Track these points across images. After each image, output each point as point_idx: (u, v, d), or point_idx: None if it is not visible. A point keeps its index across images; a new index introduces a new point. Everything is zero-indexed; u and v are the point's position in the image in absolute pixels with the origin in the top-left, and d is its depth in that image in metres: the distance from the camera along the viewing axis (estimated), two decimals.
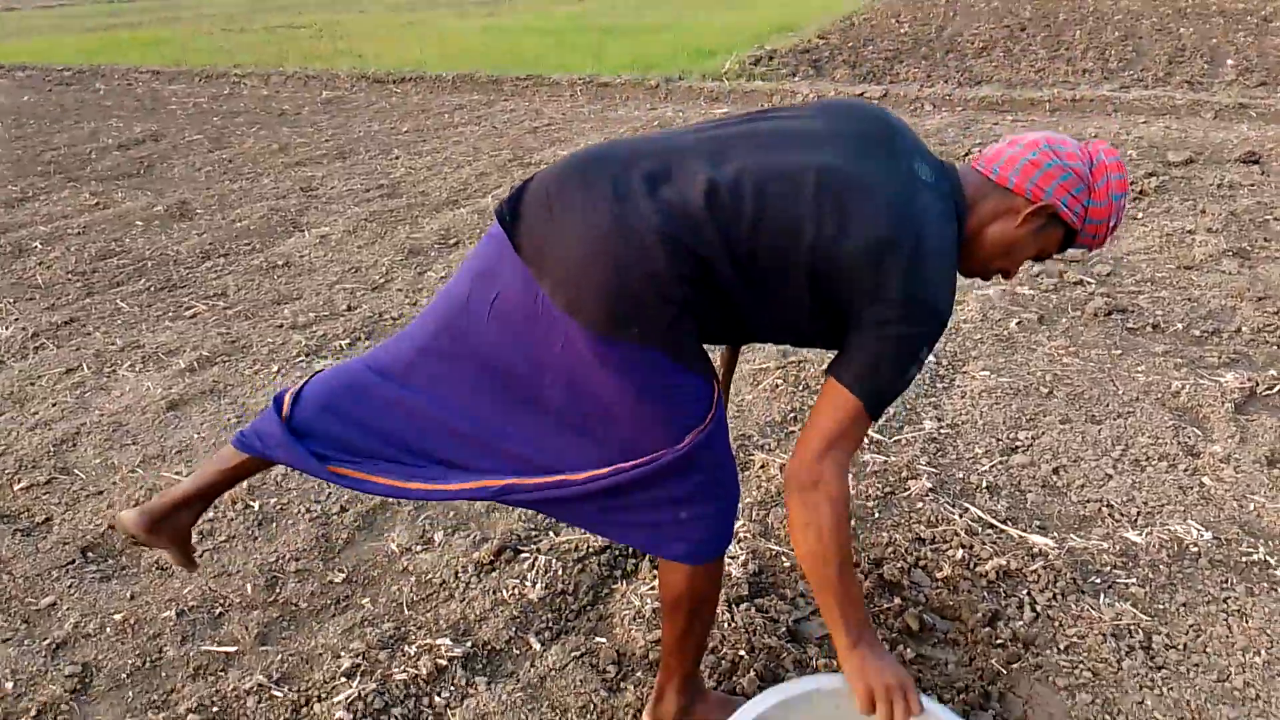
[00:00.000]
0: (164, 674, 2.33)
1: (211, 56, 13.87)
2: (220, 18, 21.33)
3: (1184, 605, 2.44)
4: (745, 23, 15.03)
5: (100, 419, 3.56)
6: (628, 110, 9.27)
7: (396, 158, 7.67)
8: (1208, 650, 2.30)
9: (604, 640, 2.37)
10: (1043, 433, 3.26)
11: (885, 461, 3.10)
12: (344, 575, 2.66)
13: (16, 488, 3.12)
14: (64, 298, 4.83)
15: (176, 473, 3.17)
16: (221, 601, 2.57)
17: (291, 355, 4.06)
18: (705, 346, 1.75)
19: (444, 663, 2.30)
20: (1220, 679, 2.22)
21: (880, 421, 3.35)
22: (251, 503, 2.98)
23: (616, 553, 2.68)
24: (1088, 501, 2.89)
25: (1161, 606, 2.45)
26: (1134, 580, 2.54)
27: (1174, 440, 3.17)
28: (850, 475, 3.04)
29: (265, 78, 12.01)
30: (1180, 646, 2.32)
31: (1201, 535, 2.69)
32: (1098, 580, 2.54)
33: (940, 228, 1.59)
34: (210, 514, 2.93)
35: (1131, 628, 2.37)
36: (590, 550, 2.69)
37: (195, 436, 3.41)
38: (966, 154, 6.97)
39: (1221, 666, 2.25)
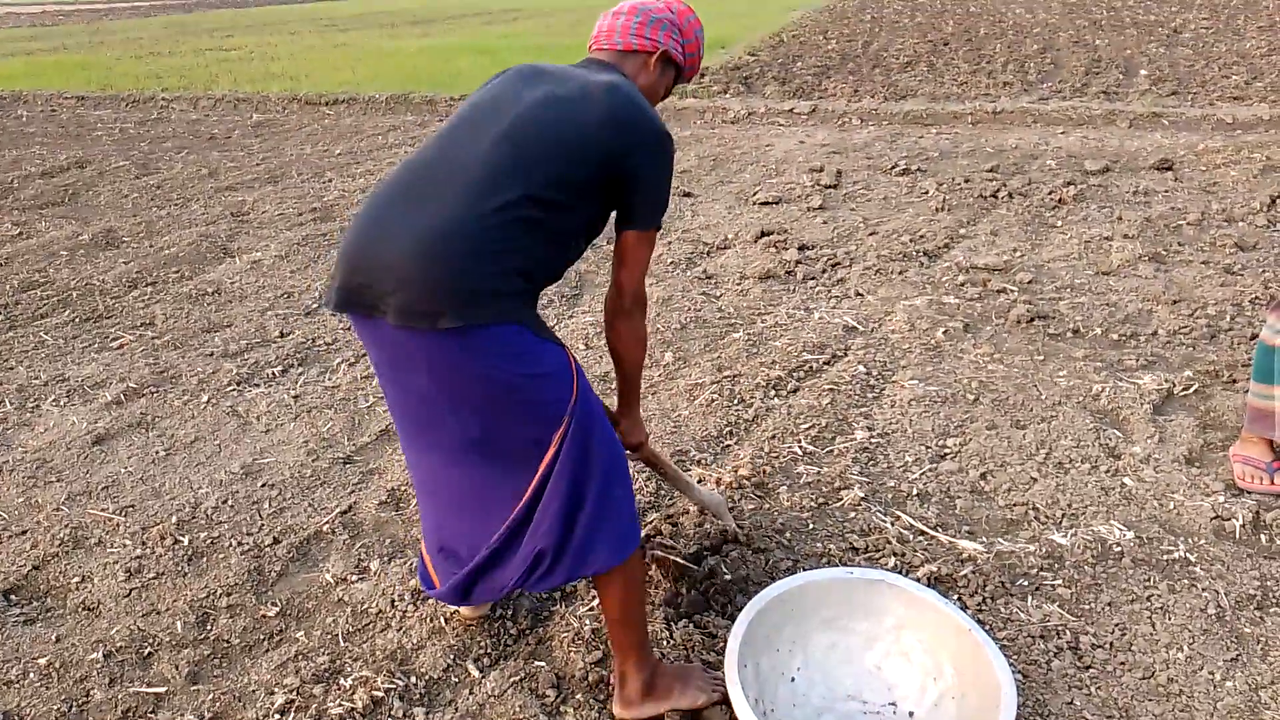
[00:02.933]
0: (91, 718, 2.27)
1: (139, 81, 13.61)
2: (147, 41, 20.95)
3: (1109, 605, 2.51)
4: None
5: (23, 456, 3.46)
6: None
7: (329, 180, 7.60)
8: (1133, 648, 2.37)
9: (543, 664, 2.37)
10: (970, 439, 3.34)
11: (818, 472, 3.14)
12: (277, 609, 2.62)
13: None
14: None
15: (103, 509, 3.10)
16: (151, 641, 2.52)
17: (223, 384, 4.00)
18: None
19: (380, 694, 2.27)
20: (1146, 676, 2.28)
21: (814, 433, 3.40)
22: (181, 538, 2.93)
23: None
24: (1014, 505, 2.96)
25: (1087, 607, 2.52)
26: (1060, 581, 2.61)
27: (1095, 442, 3.26)
28: (785, 486, 3.08)
29: (194, 101, 11.82)
30: (1107, 645, 2.38)
31: (1124, 535, 2.77)
32: (1025, 583, 2.61)
33: (629, 87, 1.97)
34: (137, 551, 2.87)
35: (1059, 629, 2.43)
36: None
37: (123, 471, 3.33)
38: (893, 167, 7.11)
39: (1147, 664, 2.31)
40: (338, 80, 12.65)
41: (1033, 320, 4.25)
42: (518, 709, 2.22)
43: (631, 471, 2.43)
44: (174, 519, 3.02)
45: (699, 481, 3.05)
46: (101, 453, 3.48)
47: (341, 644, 2.48)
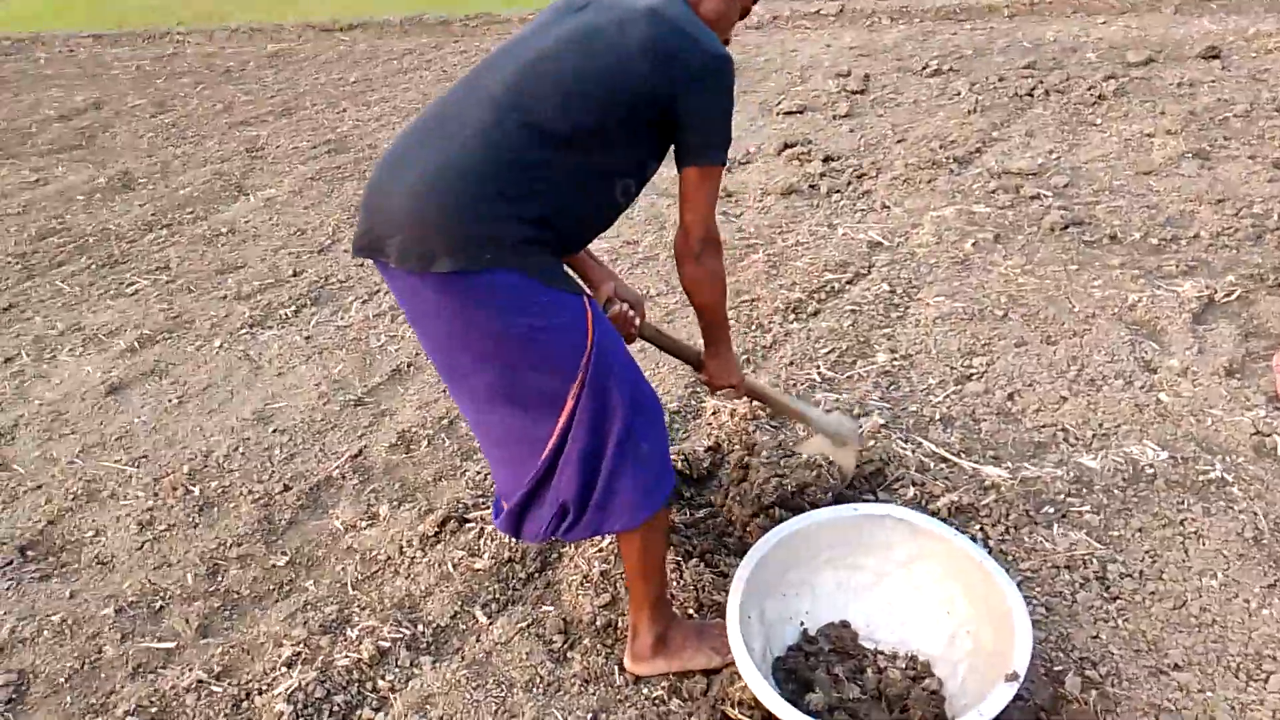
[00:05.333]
0: (103, 675, 2.28)
1: (151, 15, 13.43)
2: None
3: (1139, 531, 2.41)
4: None
5: (39, 409, 3.47)
6: None
7: (344, 110, 7.46)
8: (1164, 577, 2.27)
9: (551, 608, 2.33)
10: (997, 358, 3.20)
11: (837, 399, 3.04)
12: (287, 558, 2.60)
13: None
14: (3, 282, 4.69)
15: (116, 460, 3.09)
16: (162, 594, 2.51)
17: (235, 328, 3.96)
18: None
19: (387, 645, 2.25)
20: (1176, 605, 2.18)
21: (834, 357, 3.28)
22: (192, 488, 2.91)
23: None
24: (1042, 427, 2.84)
25: (1116, 534, 2.41)
26: (1088, 508, 2.50)
27: (1130, 356, 3.11)
28: None
29: (209, 34, 11.64)
30: (1136, 574, 2.28)
31: (1158, 456, 2.64)
32: (1051, 510, 2.50)
33: (678, 10, 1.79)
34: (149, 503, 2.87)
35: (1086, 558, 2.33)
36: None
37: (136, 421, 3.32)
38: (924, 68, 6.80)
39: (1178, 593, 2.21)
40: (352, 4, 12.38)
41: (1067, 227, 4.05)
42: (524, 656, 2.19)
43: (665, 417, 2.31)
44: (186, 468, 3.00)
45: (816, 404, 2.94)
46: (115, 402, 3.47)
47: (350, 592, 2.46)
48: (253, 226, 5.17)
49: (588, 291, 1.85)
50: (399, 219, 1.70)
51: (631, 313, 2.18)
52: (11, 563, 2.68)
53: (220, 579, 2.56)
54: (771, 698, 1.77)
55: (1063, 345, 3.23)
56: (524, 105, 1.70)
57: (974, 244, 4.01)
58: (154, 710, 2.15)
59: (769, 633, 2.08)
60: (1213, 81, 5.71)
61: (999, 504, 2.51)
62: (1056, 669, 2.04)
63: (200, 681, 2.21)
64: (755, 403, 2.73)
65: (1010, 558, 2.36)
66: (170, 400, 3.43)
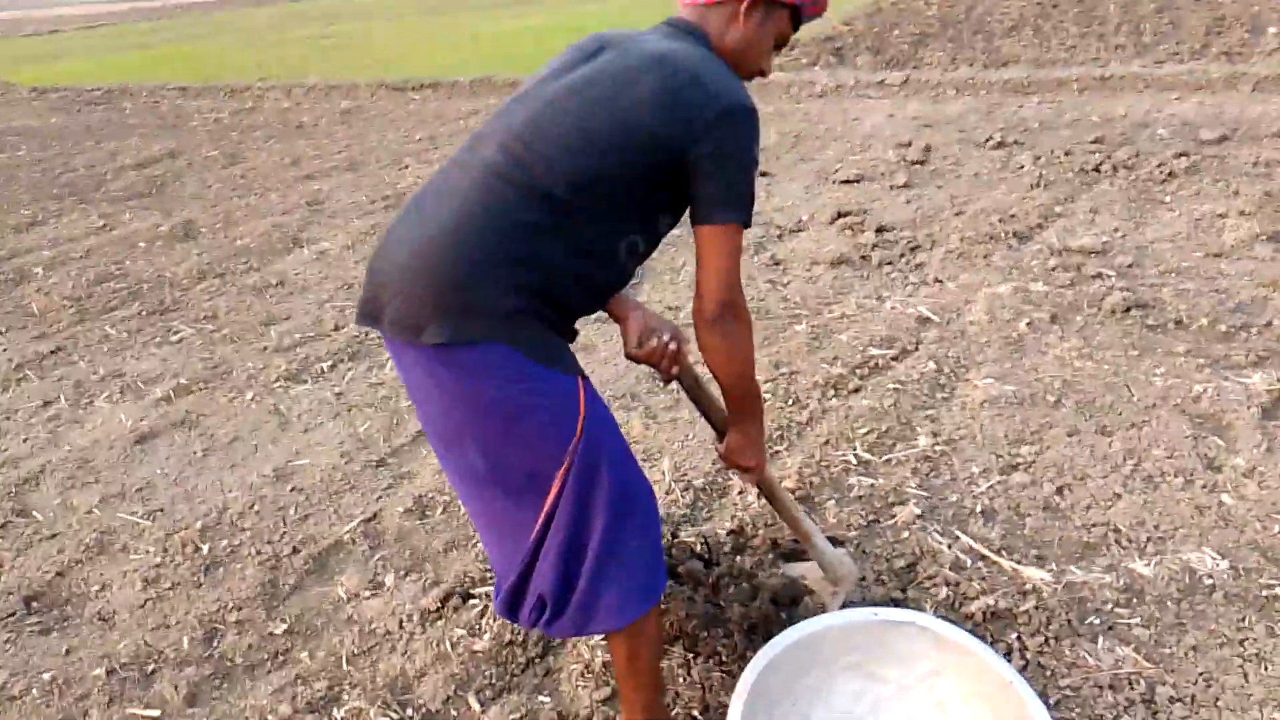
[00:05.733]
0: None
1: (240, 71, 13.93)
2: (253, 30, 21.53)
3: (1193, 649, 2.20)
4: None
5: (68, 455, 3.46)
6: None
7: (406, 167, 7.56)
8: (1219, 703, 2.05)
9: (547, 700, 2.19)
10: (1048, 447, 3.01)
11: (872, 485, 2.88)
12: (285, 626, 2.51)
13: None
14: (55, 325, 4.77)
15: (132, 512, 3.06)
16: (156, 657, 2.44)
17: (270, 380, 3.94)
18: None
19: None
20: None
21: (872, 439, 3.12)
22: (202, 545, 2.86)
23: None
24: (1092, 525, 2.64)
25: (1168, 651, 2.20)
26: (1138, 620, 2.29)
27: (1192, 452, 2.90)
28: (833, 500, 2.82)
29: (288, 90, 12.00)
30: (1187, 699, 2.07)
31: (1218, 565, 2.43)
32: (1097, 621, 2.30)
33: (691, 53, 1.67)
34: (158, 559, 2.81)
35: (1133, 677, 2.13)
36: None
37: (158, 473, 3.30)
38: (987, 140, 6.66)
39: None
40: (430, 65, 12.68)
41: (1129, 310, 3.86)
42: None
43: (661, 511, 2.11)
44: (199, 524, 2.95)
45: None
46: (142, 452, 3.45)
47: (344, 667, 2.35)
48: (302, 279, 5.21)
49: (584, 374, 1.73)
50: (393, 287, 1.63)
51: (673, 346, 1.92)
52: (15, 614, 2.64)
53: (216, 644, 2.48)
54: None
55: (1119, 437, 3.03)
56: (521, 164, 1.61)
57: (1029, 324, 3.84)
58: None
59: None
60: None
61: (1039, 611, 2.32)
62: None
63: None
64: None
65: (1049, 672, 2.16)
66: (195, 452, 3.41)
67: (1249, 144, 5.92)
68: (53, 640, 2.54)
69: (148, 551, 2.86)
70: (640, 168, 1.63)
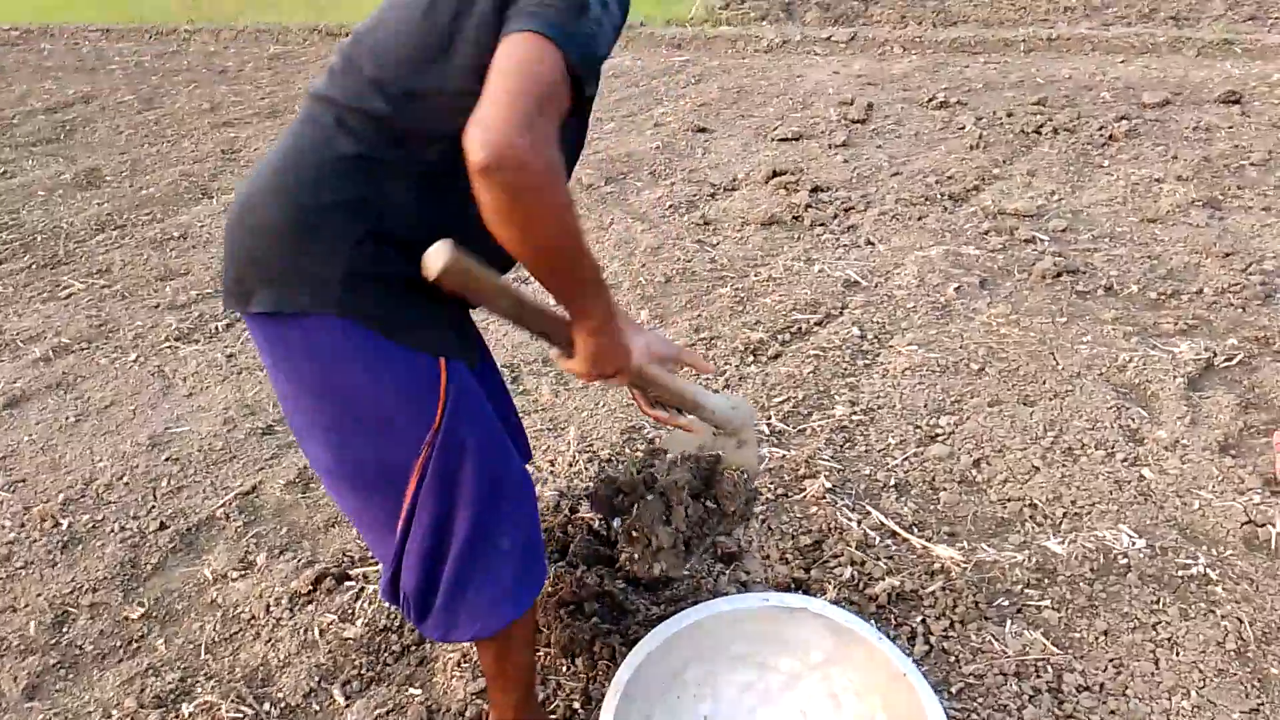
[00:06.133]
0: None
1: (166, 14, 13.31)
2: None
3: (1104, 634, 2.09)
4: None
5: None
6: None
7: None
8: (1128, 693, 1.95)
9: (418, 692, 2.03)
10: (968, 417, 2.89)
11: (784, 456, 2.73)
12: (143, 610, 2.32)
13: None
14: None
15: None
16: None
17: (158, 340, 3.69)
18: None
19: None
20: None
21: (788, 407, 2.98)
22: (62, 520, 2.64)
23: None
24: (1008, 500, 2.53)
25: (1078, 635, 2.09)
26: (1048, 602, 2.18)
27: (1115, 424, 2.79)
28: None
29: (216, 33, 11.47)
30: (1096, 688, 1.96)
31: (1134, 543, 2.33)
32: (1006, 603, 2.19)
33: None
34: (13, 534, 2.59)
35: (1040, 664, 2.02)
36: None
37: (25, 440, 3.05)
38: (930, 100, 6.51)
39: (1142, 715, 1.89)
40: (367, 8, 12.20)
41: (1060, 275, 3.74)
42: None
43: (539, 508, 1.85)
44: (61, 497, 2.73)
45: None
46: (11, 417, 3.20)
47: (202, 656, 2.17)
48: (207, 231, 4.92)
49: (455, 348, 1.44)
50: (227, 249, 1.43)
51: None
52: None
53: (66, 630, 2.27)
54: None
55: (1041, 407, 2.91)
56: (344, 91, 1.36)
57: (957, 288, 3.71)
58: None
59: None
60: (1231, 127, 5.38)
61: (947, 593, 2.20)
62: None
63: None
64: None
65: (953, 658, 2.04)
66: (68, 418, 3.16)
67: (1190, 108, 5.83)
68: None
69: (3, 527, 2.63)
70: (471, 45, 1.26)
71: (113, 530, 2.59)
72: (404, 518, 1.48)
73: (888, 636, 2.06)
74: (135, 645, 2.22)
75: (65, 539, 2.57)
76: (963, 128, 5.89)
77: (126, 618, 2.29)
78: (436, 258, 1.29)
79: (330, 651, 2.14)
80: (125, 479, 2.81)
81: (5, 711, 2.05)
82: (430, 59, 1.30)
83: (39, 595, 2.38)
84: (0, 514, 2.69)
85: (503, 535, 1.53)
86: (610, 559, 2.31)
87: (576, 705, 1.96)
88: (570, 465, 2.74)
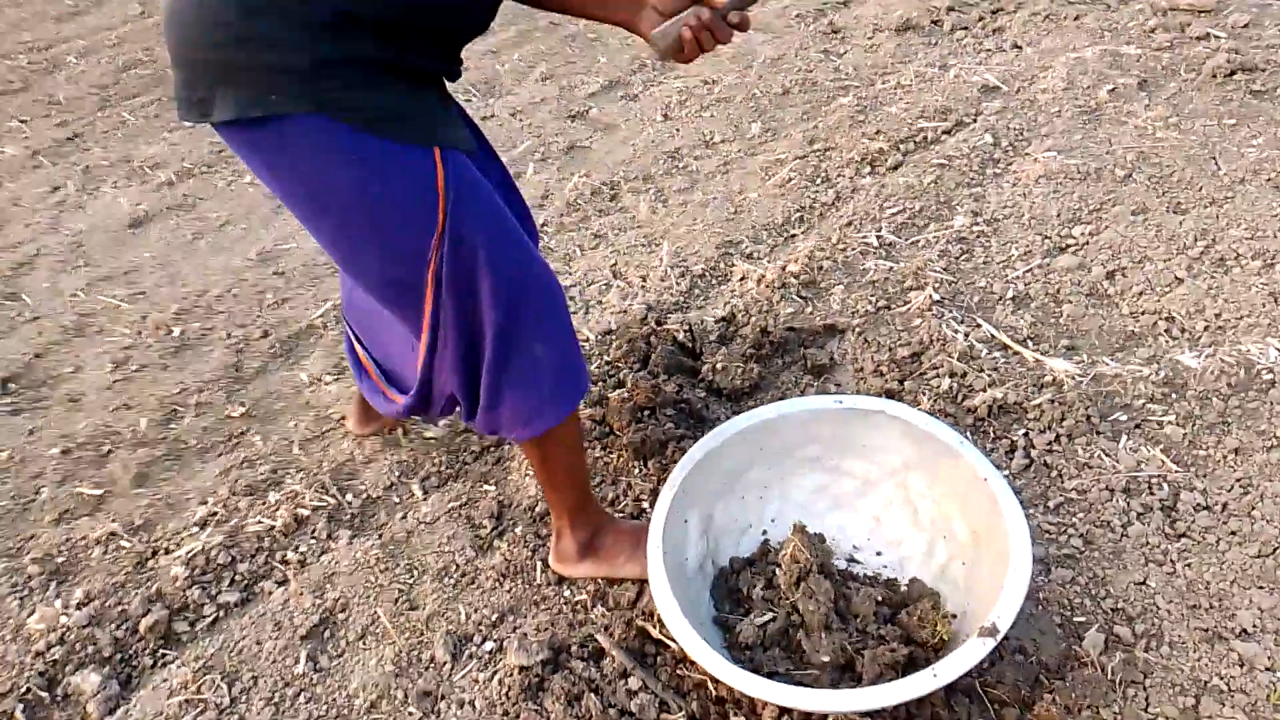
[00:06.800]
0: (31, 518, 2.15)
1: None
2: None
3: (1234, 452, 1.87)
4: None
5: (64, 240, 3.36)
6: None
7: None
8: (1254, 514, 1.75)
9: (491, 488, 2.03)
10: (1106, 226, 2.60)
11: (890, 269, 2.54)
12: (244, 409, 2.39)
13: None
14: (77, 113, 4.63)
15: (114, 295, 2.95)
16: (112, 438, 2.36)
17: None
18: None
19: (306, 513, 2.01)
20: (1262, 553, 1.68)
21: (902, 219, 2.75)
22: (175, 328, 2.74)
23: None
24: (1141, 314, 2.28)
25: (1203, 453, 1.88)
26: (1173, 418, 1.96)
27: (1279, 233, 2.46)
28: (841, 285, 2.51)
29: None
30: (1216, 507, 1.77)
31: None
32: (1123, 418, 1.98)
33: None
34: (131, 340, 2.71)
35: (1154, 481, 1.83)
36: None
37: (147, 256, 3.17)
38: None
39: (1268, 537, 1.70)
40: None
41: (1233, 74, 3.28)
42: (446, 540, 1.91)
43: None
44: (175, 307, 2.83)
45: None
46: (134, 236, 3.32)
47: (294, 452, 2.23)
48: None
49: (447, 134, 1.32)
50: (171, 50, 1.25)
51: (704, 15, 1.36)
52: None
53: (173, 426, 2.38)
54: (677, 620, 1.42)
55: (1193, 215, 2.59)
56: None
57: (1111, 90, 3.31)
58: (60, 560, 2.00)
59: (716, 541, 1.71)
60: None
61: (1055, 405, 2.01)
62: (1078, 620, 1.60)
63: (112, 534, 2.04)
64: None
65: (1055, 473, 1.88)
66: (186, 235, 3.26)
67: None
68: (20, 420, 2.48)
69: (123, 334, 2.76)
70: None
71: (220, 337, 2.67)
72: (427, 332, 1.41)
73: (982, 449, 1.91)
74: (235, 441, 2.30)
75: (177, 345, 2.67)
76: None
77: (228, 416, 2.38)
78: None
79: (412, 450, 2.16)
80: (235, 291, 2.88)
81: (116, 496, 2.17)
82: None
83: (151, 395, 2.49)
84: (120, 322, 2.81)
85: (534, 341, 1.45)
86: (693, 370, 2.23)
87: (646, 505, 1.92)
88: (661, 280, 2.63)
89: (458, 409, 1.60)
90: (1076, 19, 4.00)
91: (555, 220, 3.05)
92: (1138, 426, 1.96)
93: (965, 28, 4.11)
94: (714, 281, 2.63)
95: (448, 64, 1.39)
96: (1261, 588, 1.61)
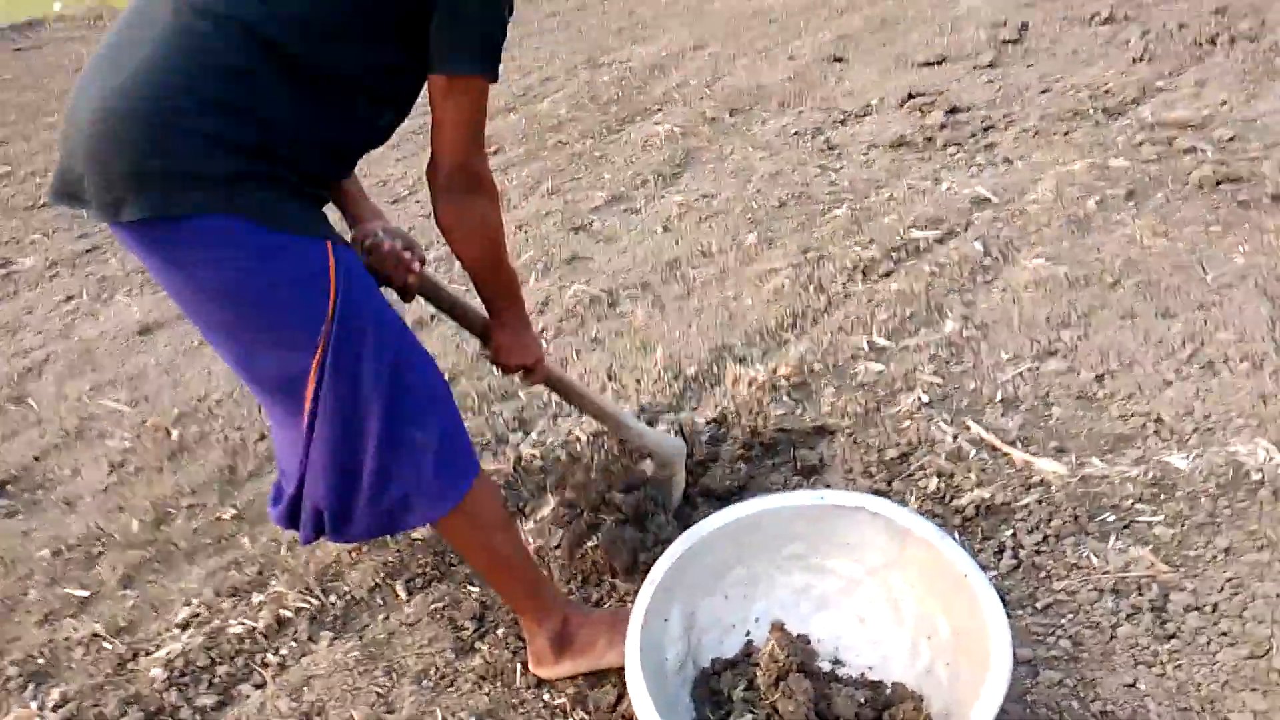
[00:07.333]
0: (16, 619, 2.15)
1: None
2: None
3: (1224, 553, 1.85)
4: None
5: (73, 345, 3.44)
6: (725, 2, 8.56)
7: None
8: (1245, 614, 1.71)
9: (475, 589, 2.01)
10: (1095, 331, 2.62)
11: (880, 371, 2.56)
12: (235, 511, 2.40)
13: None
14: (97, 227, 4.77)
15: (116, 399, 3.00)
16: (103, 540, 2.37)
17: None
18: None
19: (289, 614, 2.00)
20: (1253, 655, 1.64)
21: (893, 324, 2.79)
22: (174, 431, 2.77)
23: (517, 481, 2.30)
24: (1130, 416, 2.28)
25: (1193, 553, 1.86)
26: (1162, 518, 1.95)
27: (1268, 336, 2.47)
28: (832, 387, 2.53)
29: None
30: (1206, 608, 1.74)
31: (1271, 458, 2.05)
32: (1111, 518, 1.97)
33: None
34: (129, 443, 2.74)
35: (1143, 581, 1.80)
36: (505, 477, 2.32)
37: (152, 362, 3.23)
38: (1094, 16, 5.99)
39: (1259, 638, 1.66)
40: None
41: (1220, 184, 3.35)
42: (427, 642, 1.90)
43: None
44: (175, 411, 2.87)
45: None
46: (142, 342, 3.40)
47: (282, 553, 2.23)
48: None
49: (336, 235, 1.43)
50: (81, 156, 1.33)
51: (408, 253, 1.70)
52: None
53: (164, 528, 2.39)
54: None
55: (1182, 319, 2.61)
56: (227, 5, 1.31)
57: (1099, 201, 3.38)
58: (41, 661, 2.00)
59: (699, 640, 1.69)
60: None
61: (1043, 505, 2.00)
62: None
63: (95, 635, 2.03)
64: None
65: (1043, 573, 1.86)
66: (192, 342, 3.33)
67: None
68: (16, 523, 2.50)
69: (123, 437, 2.79)
70: (379, 6, 1.35)
71: (218, 439, 2.70)
72: (306, 422, 1.45)
73: (970, 550, 1.89)
74: (224, 543, 2.31)
75: (175, 447, 2.70)
76: (1127, 42, 5.38)
77: (219, 518, 2.39)
78: None
79: (399, 551, 2.15)
80: (234, 395, 2.93)
81: (102, 598, 2.17)
82: (342, 22, 1.35)
83: (145, 497, 2.51)
84: (122, 426, 2.85)
85: (415, 426, 1.49)
86: (687, 469, 2.23)
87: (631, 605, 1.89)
88: (655, 382, 2.66)
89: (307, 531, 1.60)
90: (1066, 134, 4.11)
91: (554, 325, 3.10)
92: (1126, 527, 1.94)
93: (958, 144, 4.23)
94: (706, 384, 2.66)
95: (340, 176, 1.58)
96: (1254, 690, 1.57)
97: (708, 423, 2.41)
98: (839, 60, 5.96)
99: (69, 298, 3.90)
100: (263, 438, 2.69)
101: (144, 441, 2.75)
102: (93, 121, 1.31)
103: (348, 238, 1.69)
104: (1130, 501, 1.99)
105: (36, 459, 2.76)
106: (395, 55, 1.40)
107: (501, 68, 1.43)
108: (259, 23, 1.30)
